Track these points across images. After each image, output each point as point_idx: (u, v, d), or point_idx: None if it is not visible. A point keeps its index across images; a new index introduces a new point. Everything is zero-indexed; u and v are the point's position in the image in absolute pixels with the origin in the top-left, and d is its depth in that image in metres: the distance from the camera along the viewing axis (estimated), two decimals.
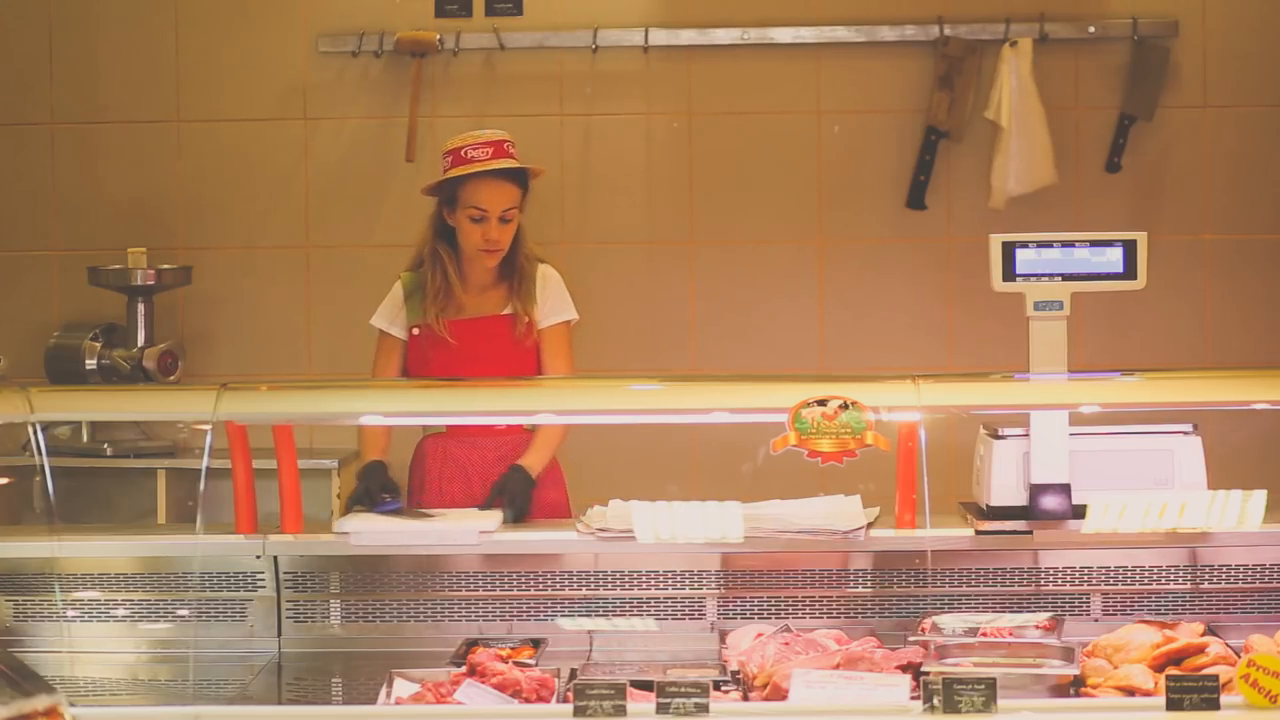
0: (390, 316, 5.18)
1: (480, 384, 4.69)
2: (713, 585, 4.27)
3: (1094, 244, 4.29)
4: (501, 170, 5.08)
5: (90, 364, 6.58)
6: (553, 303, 5.18)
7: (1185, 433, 4.31)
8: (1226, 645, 3.80)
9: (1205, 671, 3.59)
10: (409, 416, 4.63)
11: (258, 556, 4.30)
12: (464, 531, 4.34)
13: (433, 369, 5.10)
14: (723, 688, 3.76)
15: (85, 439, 6.55)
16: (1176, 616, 4.14)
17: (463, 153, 5.09)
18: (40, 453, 3.92)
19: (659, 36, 6.78)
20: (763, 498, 4.54)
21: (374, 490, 4.68)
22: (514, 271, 5.15)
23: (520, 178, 5.12)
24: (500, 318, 5.14)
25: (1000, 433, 4.33)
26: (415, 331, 5.13)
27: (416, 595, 4.31)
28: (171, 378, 6.50)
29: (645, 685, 3.56)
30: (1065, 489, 4.22)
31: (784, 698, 3.60)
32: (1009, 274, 4.28)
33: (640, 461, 6.13)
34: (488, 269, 5.14)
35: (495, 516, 4.48)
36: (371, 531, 4.33)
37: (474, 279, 5.16)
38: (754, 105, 6.83)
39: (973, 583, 4.27)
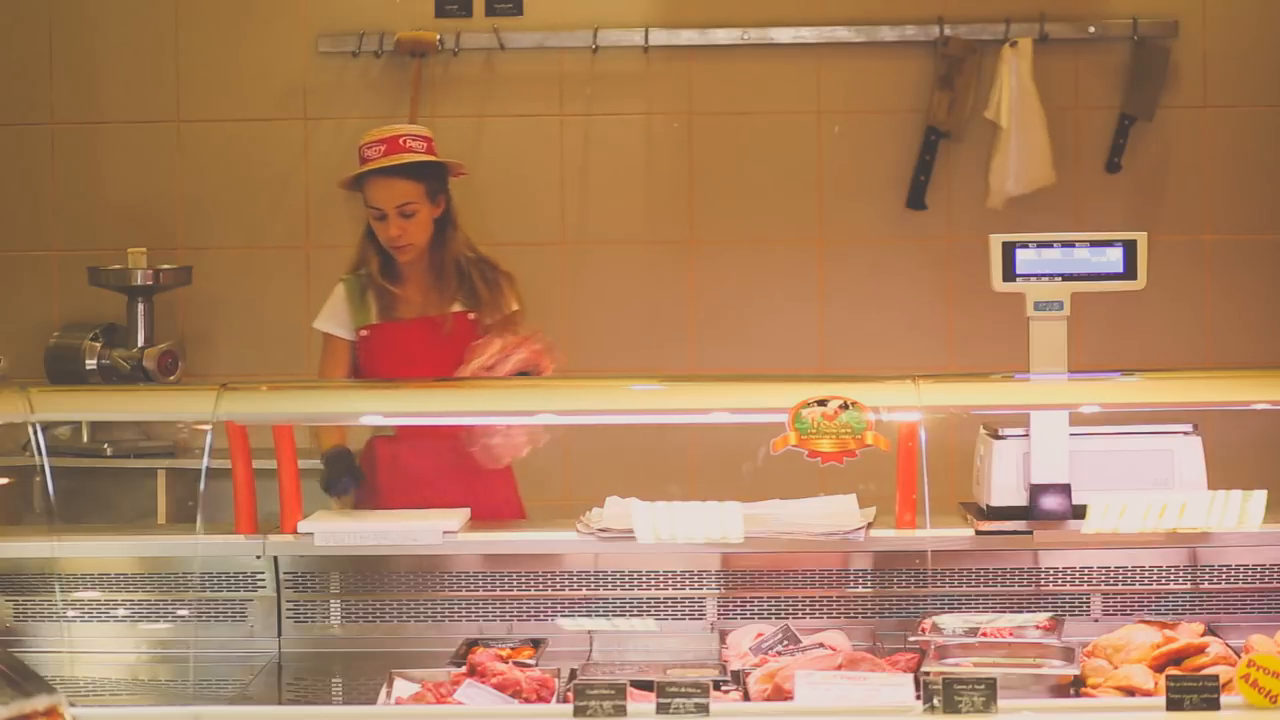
0: (335, 319, 5.15)
1: (480, 384, 4.67)
2: (713, 585, 4.26)
3: (1094, 244, 4.28)
4: (393, 167, 5.03)
5: (90, 364, 6.58)
6: (494, 297, 5.12)
7: (1185, 433, 4.30)
8: (1226, 645, 3.79)
9: (1205, 671, 3.59)
10: (409, 416, 4.62)
11: (258, 556, 4.30)
12: (428, 531, 4.31)
13: (383, 370, 5.07)
14: (723, 688, 3.76)
15: (85, 439, 6.54)
16: (1177, 616, 4.14)
17: (360, 152, 5.10)
18: (40, 453, 3.92)
19: (659, 36, 6.78)
20: (762, 498, 4.55)
21: (343, 478, 4.87)
22: (445, 268, 5.11)
23: (418, 172, 5.07)
24: (444, 316, 5.10)
25: (1000, 433, 4.33)
26: (363, 333, 5.11)
27: (416, 595, 4.30)
28: (171, 378, 6.49)
29: (645, 685, 3.56)
30: (1065, 489, 4.21)
31: (786, 698, 3.60)
32: (1009, 274, 4.28)
33: (640, 461, 6.11)
34: (408, 266, 5.10)
35: (459, 516, 4.42)
36: (334, 531, 4.29)
37: (410, 278, 5.13)
38: (754, 105, 6.82)
39: (973, 583, 4.27)
